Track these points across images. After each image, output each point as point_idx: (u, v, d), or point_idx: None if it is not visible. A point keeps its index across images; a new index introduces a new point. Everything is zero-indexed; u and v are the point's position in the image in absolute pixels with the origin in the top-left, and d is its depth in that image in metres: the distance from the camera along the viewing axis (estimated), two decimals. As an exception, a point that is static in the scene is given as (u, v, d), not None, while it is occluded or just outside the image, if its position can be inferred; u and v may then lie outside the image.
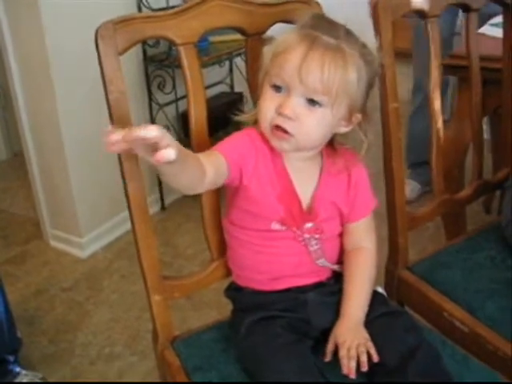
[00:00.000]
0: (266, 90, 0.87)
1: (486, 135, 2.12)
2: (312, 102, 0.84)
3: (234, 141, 0.91)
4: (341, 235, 1.00)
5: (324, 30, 0.83)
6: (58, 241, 2.29)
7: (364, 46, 0.86)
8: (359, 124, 0.91)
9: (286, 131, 0.85)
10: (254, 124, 0.93)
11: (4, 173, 2.99)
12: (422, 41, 2.00)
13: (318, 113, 0.84)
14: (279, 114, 0.84)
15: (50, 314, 1.90)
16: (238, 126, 0.94)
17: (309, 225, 0.92)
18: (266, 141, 0.90)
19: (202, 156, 0.83)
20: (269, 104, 0.86)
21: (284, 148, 0.88)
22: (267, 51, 0.88)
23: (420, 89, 2.21)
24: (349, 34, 0.85)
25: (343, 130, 0.91)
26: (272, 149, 0.90)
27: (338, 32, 0.84)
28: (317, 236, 0.93)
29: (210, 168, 0.82)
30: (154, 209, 2.47)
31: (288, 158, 0.92)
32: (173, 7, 2.31)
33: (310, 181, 0.94)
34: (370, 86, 0.89)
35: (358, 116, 0.89)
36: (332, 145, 0.94)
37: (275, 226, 0.92)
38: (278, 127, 0.85)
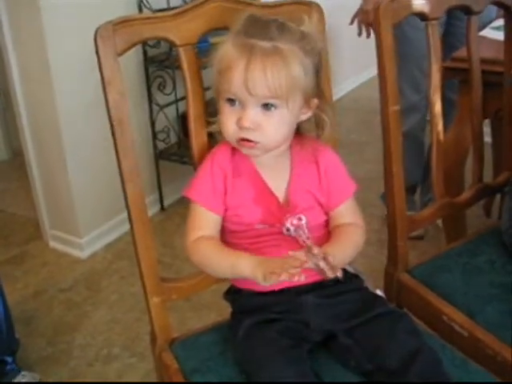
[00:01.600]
0: (222, 105, 0.91)
1: (487, 138, 2.12)
2: (267, 106, 0.87)
3: (206, 181, 0.95)
4: (325, 228, 1.00)
5: (258, 35, 0.85)
6: (57, 241, 2.29)
7: (302, 35, 0.88)
8: (318, 107, 0.94)
9: (251, 141, 0.89)
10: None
11: (4, 173, 2.99)
12: (413, 56, 2.00)
13: (275, 116, 0.88)
14: (240, 127, 0.88)
15: (49, 315, 1.89)
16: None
17: (290, 217, 0.94)
18: (232, 152, 0.95)
19: (204, 231, 0.95)
20: (228, 120, 0.89)
21: (255, 154, 0.93)
22: (213, 67, 0.91)
23: (414, 109, 2.07)
24: (283, 29, 0.87)
25: (305, 116, 0.94)
26: (240, 156, 0.95)
27: (272, 32, 0.85)
28: (303, 223, 0.94)
29: (216, 234, 0.96)
30: (153, 209, 2.47)
31: (258, 160, 0.95)
32: (174, 8, 2.32)
33: (283, 175, 0.97)
34: (317, 70, 0.91)
35: (315, 101, 0.93)
36: (299, 132, 0.97)
37: (258, 226, 0.95)
38: (243, 139, 0.89)
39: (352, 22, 2.12)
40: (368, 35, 2.12)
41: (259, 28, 0.86)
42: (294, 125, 0.93)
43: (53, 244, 2.30)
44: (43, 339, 1.79)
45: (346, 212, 1.00)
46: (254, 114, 0.87)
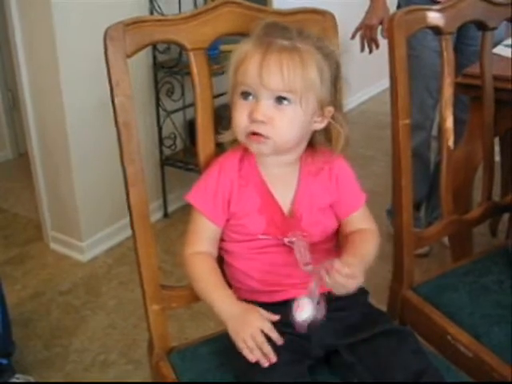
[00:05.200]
0: (236, 102, 0.90)
1: (496, 156, 2.10)
2: (280, 100, 0.86)
3: (211, 189, 0.94)
4: (331, 241, 0.99)
5: (277, 35, 0.87)
6: (58, 243, 2.27)
7: (319, 39, 0.89)
8: (333, 117, 0.93)
9: (262, 135, 0.87)
10: (233, 143, 0.96)
11: (9, 172, 2.98)
12: (420, 74, 1.98)
13: (288, 110, 0.86)
14: (252, 120, 0.86)
15: (46, 318, 1.87)
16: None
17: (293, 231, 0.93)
18: (240, 160, 0.94)
19: (202, 245, 0.95)
20: (241, 113, 0.88)
21: (263, 151, 0.90)
22: (229, 69, 0.91)
23: (419, 128, 2.04)
24: (302, 33, 0.88)
25: (319, 126, 0.93)
26: (248, 165, 0.94)
27: (291, 33, 0.87)
28: (302, 239, 0.92)
29: (213, 250, 0.97)
30: (156, 216, 2.45)
31: (265, 166, 0.94)
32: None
33: (289, 186, 0.95)
34: (335, 78, 0.90)
35: (330, 109, 0.92)
36: (312, 145, 0.96)
37: (261, 236, 0.94)
38: (253, 133, 0.87)
39: (353, 37, 2.10)
40: (370, 51, 2.10)
41: (279, 29, 0.88)
42: (307, 129, 0.91)
43: (53, 246, 2.28)
44: (40, 342, 1.76)
45: (361, 218, 0.99)
46: (266, 106, 0.86)
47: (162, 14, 2.19)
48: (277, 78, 0.84)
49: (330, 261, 0.83)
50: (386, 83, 1.17)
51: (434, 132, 2.16)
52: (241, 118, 0.88)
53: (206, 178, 0.95)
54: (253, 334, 0.83)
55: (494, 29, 1.24)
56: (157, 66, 2.27)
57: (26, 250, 2.26)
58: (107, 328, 1.83)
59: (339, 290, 0.84)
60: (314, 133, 0.94)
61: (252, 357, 0.82)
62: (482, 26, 1.23)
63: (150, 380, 1.11)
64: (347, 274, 0.82)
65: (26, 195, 2.63)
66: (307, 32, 0.89)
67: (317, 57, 0.86)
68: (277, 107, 0.86)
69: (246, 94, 0.87)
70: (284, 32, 0.87)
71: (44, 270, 2.13)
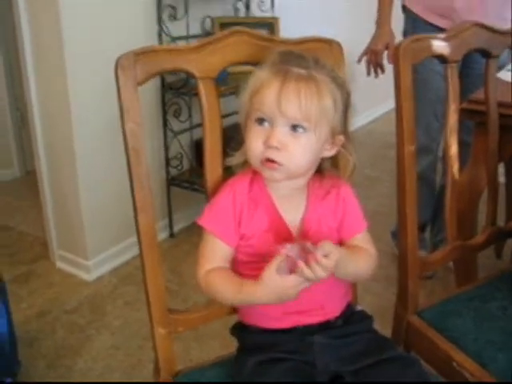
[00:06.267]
0: (250, 127, 0.90)
1: (502, 180, 2.10)
2: (295, 128, 0.87)
3: (224, 212, 0.94)
4: None
5: (293, 63, 0.88)
6: (64, 262, 2.28)
7: (333, 70, 0.91)
8: (343, 145, 0.94)
9: (276, 162, 0.88)
10: (243, 166, 0.96)
11: (16, 190, 3.01)
12: (426, 98, 2.01)
13: (302, 139, 0.87)
14: (267, 146, 0.87)
15: (51, 337, 1.88)
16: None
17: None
18: (250, 183, 0.95)
19: (216, 263, 0.94)
20: (256, 139, 0.89)
21: (275, 177, 0.91)
22: (243, 94, 0.92)
23: (426, 151, 2.08)
24: (317, 62, 0.90)
25: (329, 153, 0.94)
26: (257, 187, 0.95)
27: (308, 62, 0.88)
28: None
29: (227, 266, 0.95)
30: (162, 235, 2.47)
31: (275, 189, 0.95)
32: (193, 36, 2.34)
33: (298, 208, 0.96)
34: (346, 107, 0.92)
35: (341, 138, 0.93)
36: (319, 170, 0.97)
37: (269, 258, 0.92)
38: (268, 160, 0.88)
39: (359, 61, 2.13)
40: (376, 75, 2.13)
41: (295, 58, 0.89)
42: (317, 156, 0.92)
43: (60, 265, 2.29)
44: (44, 362, 1.77)
45: (363, 241, 0.99)
46: (282, 133, 0.87)
47: (170, 36, 2.23)
48: (294, 106, 0.85)
49: (307, 246, 0.83)
50: (392, 103, 1.18)
51: (439, 153, 2.17)
52: (256, 144, 0.88)
53: (218, 199, 0.96)
54: (293, 289, 0.84)
55: (497, 56, 1.26)
56: (165, 87, 2.30)
57: (32, 269, 2.27)
58: (111, 348, 1.83)
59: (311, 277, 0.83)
60: (322, 159, 0.95)
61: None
62: (485, 53, 1.25)
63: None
64: (327, 267, 0.82)
65: (32, 213, 2.65)
66: (322, 61, 0.90)
67: (331, 86, 0.88)
68: (292, 135, 0.87)
69: (261, 121, 0.88)
70: (300, 60, 0.88)
71: (50, 289, 2.14)
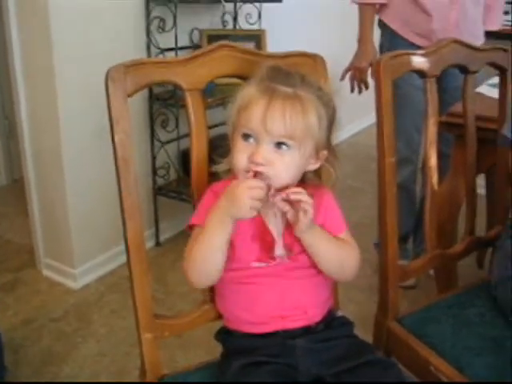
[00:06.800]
0: (236, 141, 0.93)
1: (483, 191, 2.15)
2: (280, 145, 0.90)
3: (207, 208, 0.95)
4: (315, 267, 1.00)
5: (281, 81, 0.91)
6: (50, 270, 2.29)
7: (319, 88, 0.94)
8: (326, 159, 0.98)
9: (262, 174, 0.90)
10: (228, 172, 0.99)
11: (3, 198, 3.01)
12: (407, 112, 2.06)
13: (286, 155, 0.91)
14: (251, 162, 0.90)
15: (37, 344, 1.88)
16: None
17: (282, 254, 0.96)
18: None
19: None
20: (242, 155, 0.92)
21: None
22: (232, 107, 0.95)
23: (407, 162, 2.12)
24: (304, 79, 0.93)
25: (313, 167, 0.98)
26: None
27: (294, 80, 0.91)
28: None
29: None
30: (148, 244, 2.48)
31: None
32: (181, 48, 2.37)
33: (281, 215, 0.98)
34: (331, 123, 0.95)
35: (325, 153, 0.97)
36: (302, 181, 1.00)
37: (255, 264, 0.97)
38: (254, 175, 0.90)
39: (343, 78, 2.17)
40: (360, 91, 2.18)
41: (282, 75, 0.92)
42: (301, 171, 0.96)
43: (46, 273, 2.30)
44: (30, 368, 1.77)
45: (345, 239, 1.02)
46: (267, 151, 0.90)
47: (159, 48, 2.26)
48: (280, 125, 0.88)
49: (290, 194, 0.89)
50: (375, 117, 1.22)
51: (419, 164, 2.22)
52: (242, 159, 0.91)
53: (202, 202, 0.99)
54: (247, 196, 0.86)
55: (475, 72, 1.31)
56: (152, 98, 2.33)
57: (18, 276, 2.28)
58: (98, 355, 1.84)
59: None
60: (306, 171, 0.98)
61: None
62: (463, 69, 1.30)
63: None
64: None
65: (19, 221, 2.66)
66: (309, 79, 0.93)
67: (317, 104, 0.91)
68: (277, 152, 0.90)
69: (247, 136, 0.91)
70: (287, 78, 0.91)
71: (36, 297, 2.15)
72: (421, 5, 1.94)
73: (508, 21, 3.17)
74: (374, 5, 2.06)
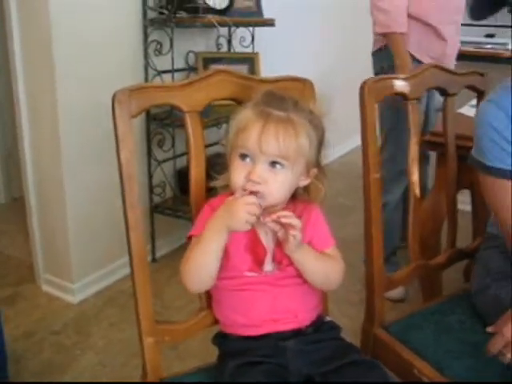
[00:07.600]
0: (234, 160, 1.02)
1: (468, 207, 2.23)
2: (274, 164, 0.99)
3: (205, 220, 1.03)
4: (302, 277, 1.07)
5: (275, 105, 1.00)
6: (50, 285, 2.35)
7: (311, 112, 1.03)
8: (316, 176, 1.07)
9: (258, 192, 0.99)
10: (225, 187, 1.07)
11: (3, 216, 3.07)
12: (403, 125, 2.13)
13: (280, 174, 1.00)
14: (248, 180, 0.99)
15: (38, 357, 1.94)
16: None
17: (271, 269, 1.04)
18: None
19: None
20: (239, 173, 1.00)
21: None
22: (230, 129, 1.04)
23: (406, 174, 2.22)
24: (296, 105, 1.02)
25: (303, 183, 1.07)
26: None
27: (287, 105, 1.00)
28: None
29: None
30: (145, 260, 2.54)
31: None
32: (177, 70, 2.44)
33: (272, 234, 1.05)
34: (320, 143, 1.05)
35: (315, 170, 1.06)
36: (293, 196, 1.08)
37: (247, 273, 1.05)
38: (250, 193, 0.98)
39: None
40: None
41: (276, 100, 1.01)
42: (293, 188, 1.04)
43: (45, 288, 2.36)
44: (31, 379, 1.82)
45: (331, 254, 1.09)
46: (262, 170, 0.98)
47: (156, 70, 2.35)
48: (274, 146, 0.97)
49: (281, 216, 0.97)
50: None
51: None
52: (239, 177, 1.00)
53: (200, 217, 1.06)
54: (243, 210, 0.94)
55: (454, 95, 1.40)
56: (149, 118, 2.41)
57: (18, 291, 2.34)
58: (97, 366, 1.90)
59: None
60: (297, 187, 1.07)
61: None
62: (443, 92, 1.39)
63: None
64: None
65: (20, 238, 2.72)
66: (301, 104, 1.02)
67: (307, 128, 1.00)
68: (271, 170, 0.99)
69: (244, 156, 1.00)
70: (281, 103, 1.00)
71: (36, 311, 2.21)
72: (439, 33, 2.17)
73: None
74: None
